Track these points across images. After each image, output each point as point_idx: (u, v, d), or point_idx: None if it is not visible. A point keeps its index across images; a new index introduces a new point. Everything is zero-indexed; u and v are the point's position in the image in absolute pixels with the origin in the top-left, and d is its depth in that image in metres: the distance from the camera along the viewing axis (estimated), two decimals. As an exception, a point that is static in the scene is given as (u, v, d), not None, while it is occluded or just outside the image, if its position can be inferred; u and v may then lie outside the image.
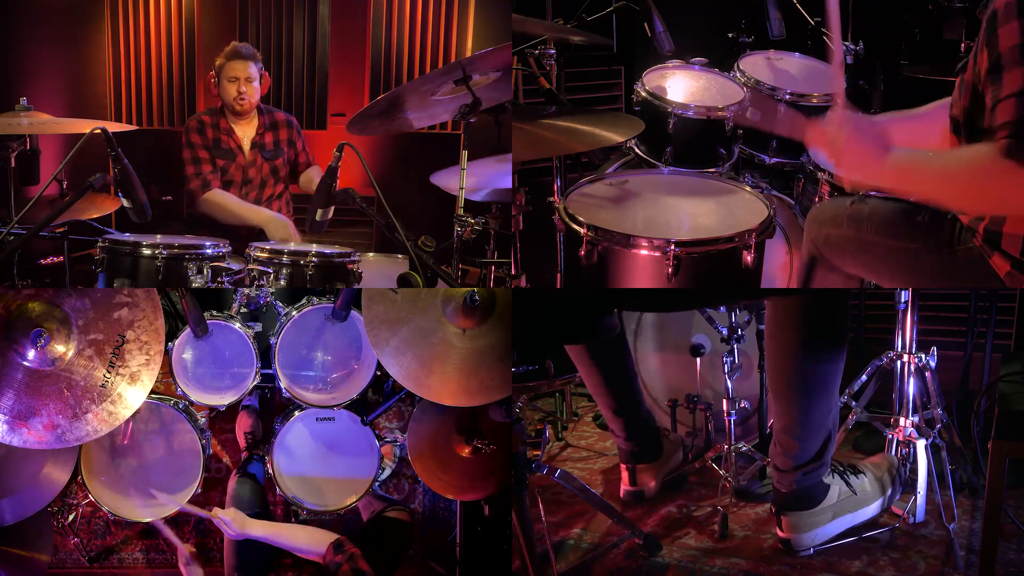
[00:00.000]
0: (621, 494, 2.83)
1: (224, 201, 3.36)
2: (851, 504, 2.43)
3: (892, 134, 1.90)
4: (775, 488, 2.45)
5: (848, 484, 2.44)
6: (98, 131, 2.34)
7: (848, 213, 2.38)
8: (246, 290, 2.73)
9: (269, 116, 3.47)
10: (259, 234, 3.30)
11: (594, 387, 2.82)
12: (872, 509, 2.47)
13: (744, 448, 2.75)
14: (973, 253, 2.07)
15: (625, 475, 2.82)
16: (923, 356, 2.63)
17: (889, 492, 2.49)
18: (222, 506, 2.46)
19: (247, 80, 3.34)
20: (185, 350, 2.62)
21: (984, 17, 1.77)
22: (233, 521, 2.34)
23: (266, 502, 2.59)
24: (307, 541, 2.31)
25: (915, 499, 2.48)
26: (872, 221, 2.31)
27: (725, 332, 2.70)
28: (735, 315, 2.71)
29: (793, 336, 2.35)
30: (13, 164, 3.15)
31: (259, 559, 2.44)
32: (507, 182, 2.91)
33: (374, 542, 2.37)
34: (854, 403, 2.80)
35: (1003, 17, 1.69)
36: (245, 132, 3.44)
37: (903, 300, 2.62)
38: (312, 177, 3.55)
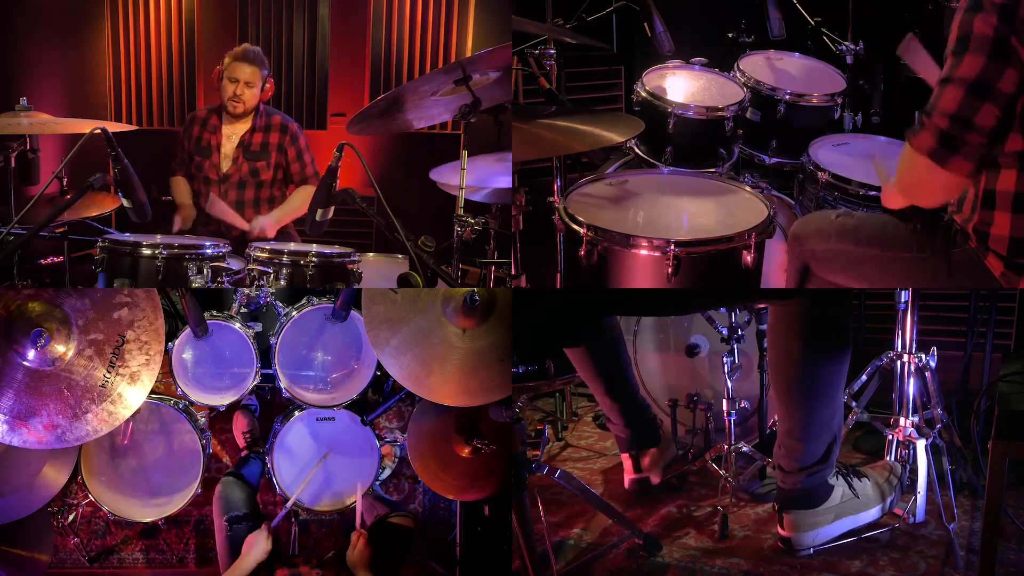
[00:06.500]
0: (626, 484, 2.81)
1: (175, 186, 3.47)
2: (853, 507, 2.43)
3: None
4: (778, 486, 2.45)
5: (851, 487, 2.43)
6: (98, 131, 2.34)
7: (835, 227, 2.37)
8: (246, 290, 2.73)
9: (264, 118, 3.40)
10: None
11: (589, 378, 2.81)
12: (873, 513, 2.46)
13: (744, 448, 2.74)
14: (970, 255, 2.07)
15: (628, 463, 2.81)
16: (923, 356, 2.63)
17: (891, 498, 2.49)
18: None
19: (246, 84, 3.31)
20: (185, 350, 2.62)
21: None
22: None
23: (256, 505, 2.56)
24: None
25: (915, 499, 2.47)
26: (862, 233, 2.30)
27: (725, 332, 2.70)
28: (735, 315, 2.70)
29: (796, 339, 2.34)
30: (13, 164, 3.15)
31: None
32: (506, 181, 2.91)
33: (378, 548, 2.36)
34: (854, 403, 2.79)
35: (957, 11, 1.88)
36: (234, 130, 3.39)
37: (903, 300, 2.62)
38: (304, 197, 3.37)
